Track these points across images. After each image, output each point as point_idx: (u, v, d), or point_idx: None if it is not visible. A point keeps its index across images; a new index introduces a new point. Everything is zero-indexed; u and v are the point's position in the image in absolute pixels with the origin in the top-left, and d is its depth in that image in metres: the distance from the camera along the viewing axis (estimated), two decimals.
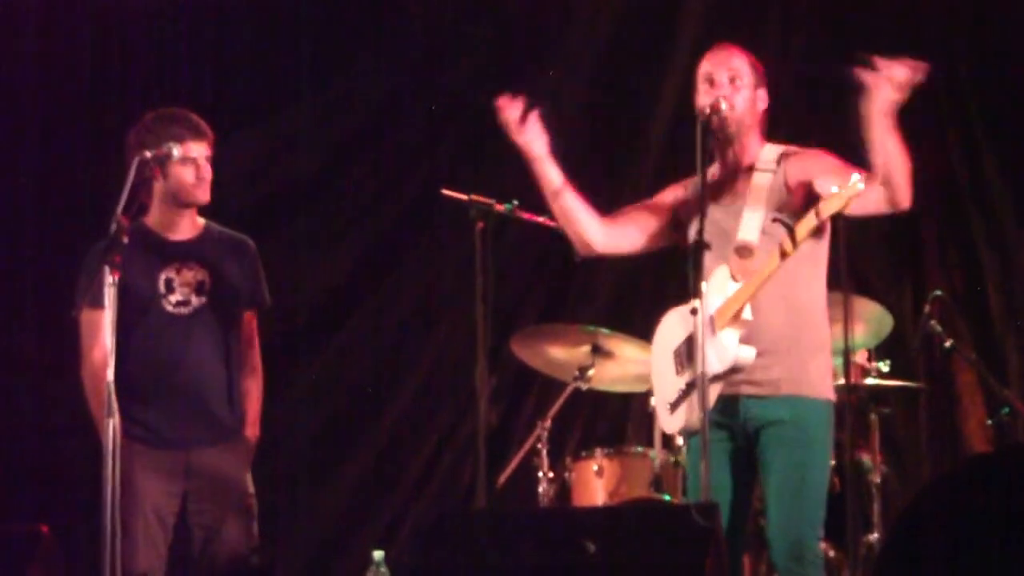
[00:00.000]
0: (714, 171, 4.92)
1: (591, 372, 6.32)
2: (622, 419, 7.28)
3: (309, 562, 7.33)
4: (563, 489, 6.37)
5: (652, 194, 5.15)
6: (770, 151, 4.89)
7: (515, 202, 5.33)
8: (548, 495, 6.31)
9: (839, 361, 5.62)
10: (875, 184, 4.62)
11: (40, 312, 6.90)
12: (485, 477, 5.38)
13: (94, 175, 6.81)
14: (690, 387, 4.75)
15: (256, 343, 5.50)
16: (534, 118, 4.91)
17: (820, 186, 4.67)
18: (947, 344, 6.40)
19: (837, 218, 5.09)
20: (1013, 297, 7.17)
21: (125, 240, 4.82)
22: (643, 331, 5.14)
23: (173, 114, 5.36)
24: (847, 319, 5.54)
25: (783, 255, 4.63)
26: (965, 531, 3.36)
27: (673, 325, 4.91)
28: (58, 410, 6.66)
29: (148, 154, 5.11)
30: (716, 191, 4.87)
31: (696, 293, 4.61)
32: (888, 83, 4.52)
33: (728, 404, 4.73)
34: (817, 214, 4.57)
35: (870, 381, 6.34)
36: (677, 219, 5.01)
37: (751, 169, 4.86)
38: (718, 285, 4.72)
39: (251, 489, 5.40)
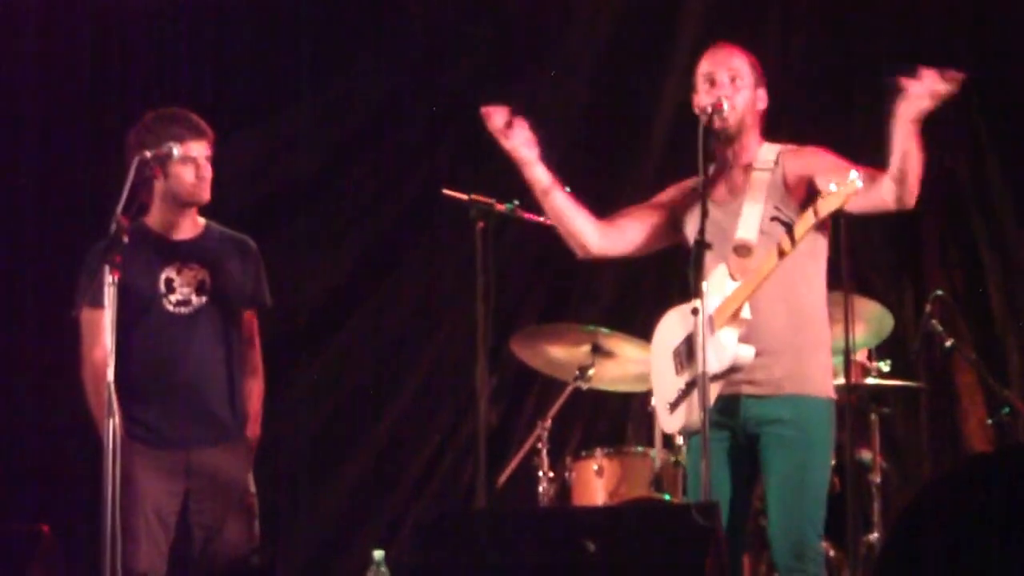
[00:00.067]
0: (713, 170, 4.92)
1: (591, 372, 6.33)
2: (622, 419, 7.28)
3: (309, 562, 7.33)
4: (563, 489, 6.37)
5: (652, 195, 5.15)
6: (768, 150, 4.89)
7: (516, 202, 5.33)
8: (548, 495, 6.31)
9: (840, 361, 5.63)
10: (881, 181, 4.61)
11: (40, 312, 6.89)
12: (485, 477, 5.38)
13: (94, 175, 6.81)
14: (690, 387, 4.75)
15: (257, 343, 5.50)
16: (520, 123, 4.91)
17: (818, 184, 4.67)
18: (948, 344, 6.40)
19: (839, 217, 5.10)
20: (1014, 297, 7.17)
21: (125, 240, 4.83)
22: (643, 331, 5.14)
23: (173, 114, 5.36)
24: (848, 319, 5.55)
25: (781, 254, 4.63)
26: (965, 531, 3.36)
27: (672, 325, 4.91)
28: (58, 410, 6.65)
29: (148, 154, 5.11)
30: (715, 190, 4.87)
31: (697, 293, 4.61)
32: (926, 92, 4.50)
33: (728, 404, 4.73)
34: (815, 212, 4.57)
35: (870, 381, 6.34)
36: (675, 220, 5.01)
37: (749, 168, 4.87)
38: (716, 284, 4.72)
39: (252, 489, 5.40)
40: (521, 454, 6.46)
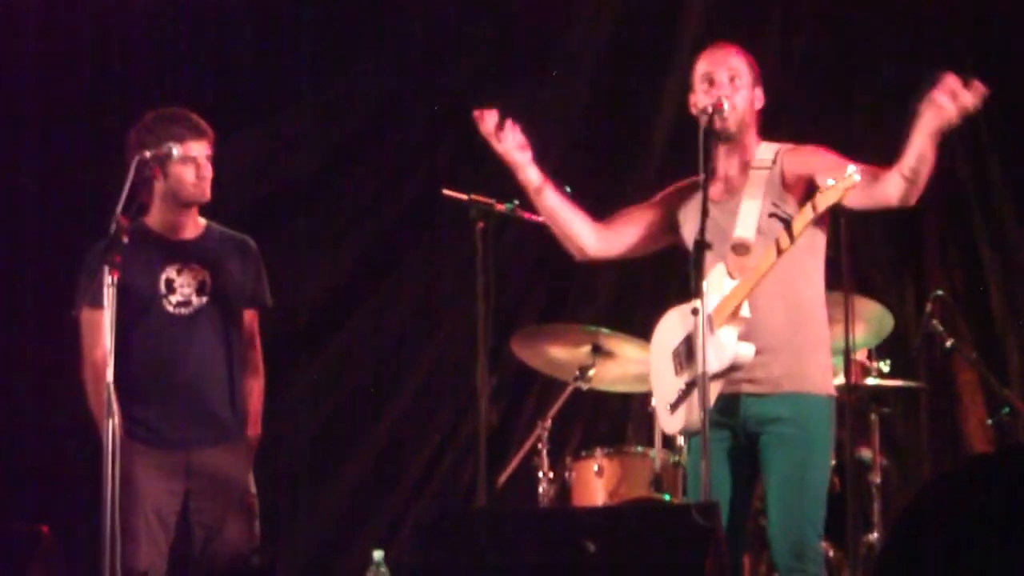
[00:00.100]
0: (711, 170, 4.90)
1: (591, 372, 6.32)
2: (622, 419, 7.28)
3: (309, 562, 7.33)
4: (563, 489, 6.37)
5: (652, 195, 5.15)
6: (766, 149, 4.89)
7: (516, 202, 5.33)
8: (548, 495, 6.31)
9: (840, 361, 5.63)
10: (884, 178, 4.61)
11: (40, 312, 6.89)
12: (485, 477, 5.38)
13: (94, 175, 6.80)
14: (690, 387, 4.75)
15: (258, 343, 5.51)
16: (511, 126, 4.92)
17: (817, 181, 4.66)
18: (948, 344, 6.40)
19: (839, 215, 5.10)
20: (1014, 297, 7.17)
21: (125, 240, 4.82)
22: (644, 331, 5.14)
23: (173, 114, 5.36)
24: (848, 319, 5.56)
25: (779, 251, 4.63)
26: (965, 531, 3.36)
27: (672, 325, 4.91)
28: (58, 410, 6.65)
29: (148, 154, 5.12)
30: (712, 189, 4.87)
31: (697, 293, 4.60)
32: (954, 105, 4.49)
33: (728, 403, 4.73)
34: (814, 207, 4.56)
35: (871, 381, 6.34)
36: (672, 220, 5.01)
37: (747, 166, 4.87)
38: (715, 283, 4.71)
39: (252, 489, 5.41)
40: (521, 454, 6.46)
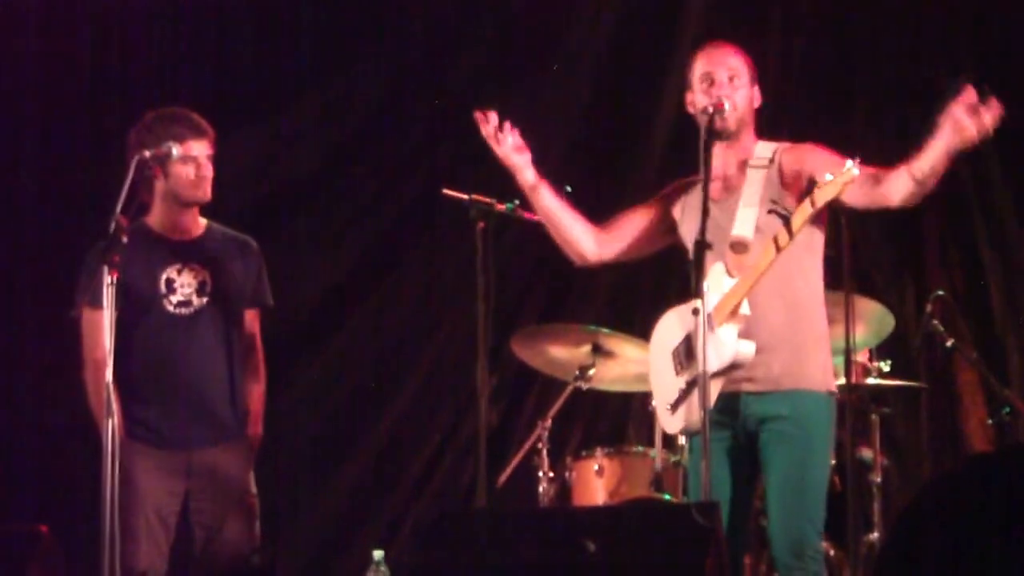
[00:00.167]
0: (705, 170, 4.89)
1: (592, 372, 6.32)
2: (623, 419, 7.28)
3: (309, 562, 7.33)
4: (563, 489, 6.37)
5: (652, 194, 5.15)
6: (764, 148, 4.89)
7: (516, 202, 5.33)
8: (548, 495, 6.31)
9: (841, 361, 5.63)
10: (887, 178, 4.61)
11: (40, 312, 6.89)
12: (485, 477, 5.38)
13: (94, 175, 6.81)
14: (690, 386, 4.74)
15: (259, 343, 5.51)
16: (510, 129, 4.92)
17: (816, 178, 4.65)
18: (948, 344, 6.40)
19: (839, 215, 5.10)
20: (1014, 297, 7.17)
21: (124, 240, 4.82)
22: (644, 331, 5.14)
23: (174, 113, 5.36)
24: (849, 319, 5.56)
25: (778, 248, 4.62)
26: (965, 531, 3.36)
27: (670, 326, 4.91)
28: (58, 410, 6.65)
29: (147, 153, 5.12)
30: (711, 189, 4.86)
31: (698, 293, 4.60)
32: (974, 125, 4.48)
33: (728, 402, 4.73)
34: (812, 203, 4.56)
35: (871, 381, 6.34)
36: (670, 221, 5.01)
37: (745, 165, 4.86)
38: (714, 281, 4.71)
39: (253, 489, 5.41)
40: (521, 454, 6.45)
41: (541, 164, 5.03)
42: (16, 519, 6.33)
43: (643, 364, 5.84)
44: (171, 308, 5.33)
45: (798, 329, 4.78)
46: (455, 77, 7.56)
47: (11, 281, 7.17)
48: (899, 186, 4.60)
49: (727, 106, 4.80)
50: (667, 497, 6.10)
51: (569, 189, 5.14)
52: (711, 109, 4.79)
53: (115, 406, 4.77)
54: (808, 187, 4.67)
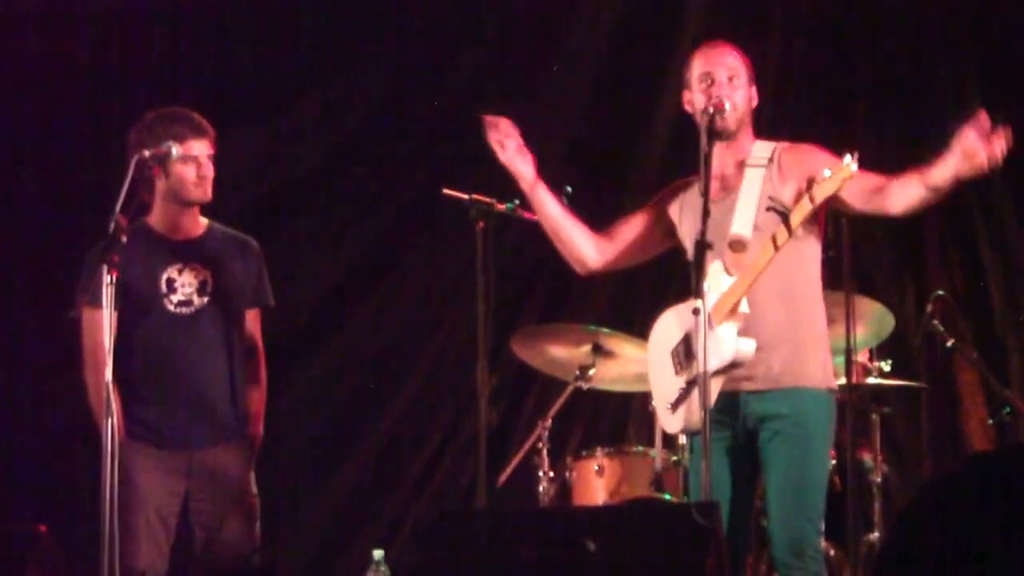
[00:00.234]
0: (703, 170, 4.88)
1: (592, 371, 6.32)
2: (623, 418, 7.28)
3: (309, 561, 7.33)
4: (564, 488, 6.36)
5: (652, 193, 5.15)
6: (762, 147, 4.88)
7: (516, 201, 5.33)
8: (549, 494, 6.31)
9: (841, 361, 5.63)
10: (889, 188, 4.63)
11: (40, 312, 6.88)
12: (485, 477, 5.38)
13: (94, 175, 6.81)
14: (690, 386, 4.74)
15: (260, 343, 5.51)
16: (514, 137, 4.92)
17: (815, 175, 4.65)
18: (948, 344, 6.40)
19: (839, 217, 5.10)
20: (1014, 297, 7.17)
21: (124, 239, 4.82)
22: (644, 330, 5.14)
23: (174, 113, 5.36)
24: (849, 319, 5.56)
25: (776, 245, 4.61)
26: (965, 531, 3.36)
27: (668, 326, 4.91)
28: (58, 410, 6.65)
29: (147, 153, 5.11)
30: (710, 188, 4.86)
31: (698, 293, 4.59)
32: (985, 153, 4.48)
33: (728, 401, 4.72)
34: (811, 199, 4.55)
35: (871, 380, 6.34)
36: (668, 224, 5.01)
37: (743, 164, 4.86)
38: (713, 280, 4.70)
39: (254, 489, 5.41)
40: (521, 454, 6.45)
41: (541, 164, 5.03)
42: (16, 519, 6.33)
43: (643, 364, 5.82)
44: (172, 308, 5.33)
45: (797, 327, 4.78)
46: (455, 77, 7.56)
47: (11, 281, 7.17)
48: (907, 194, 4.61)
49: (727, 106, 4.80)
50: (667, 497, 6.10)
51: (569, 189, 5.14)
52: (711, 109, 4.79)
53: (115, 406, 4.77)
54: (807, 186, 4.67)
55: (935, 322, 6.34)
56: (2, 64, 7.26)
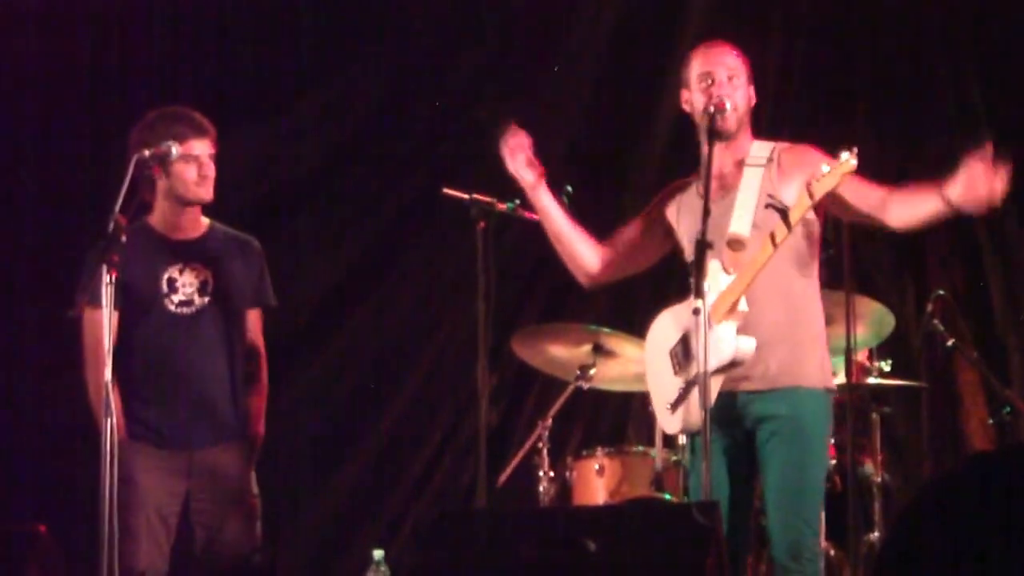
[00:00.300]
0: (707, 169, 4.87)
1: (592, 371, 6.32)
2: (623, 418, 7.28)
3: (310, 561, 7.33)
4: (564, 488, 6.36)
5: (653, 193, 5.15)
6: (760, 147, 4.88)
7: (517, 201, 5.33)
8: (549, 494, 6.31)
9: (841, 360, 5.63)
10: (888, 202, 4.66)
11: (40, 312, 6.88)
12: (485, 477, 5.38)
13: (94, 175, 6.81)
14: (690, 385, 4.73)
15: (261, 343, 5.50)
16: (524, 146, 4.93)
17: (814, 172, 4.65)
18: (949, 343, 6.40)
19: (839, 219, 5.10)
20: (1014, 297, 7.18)
21: (123, 239, 4.81)
22: (644, 330, 5.14)
23: (175, 112, 5.36)
24: (849, 318, 5.56)
25: (775, 243, 4.61)
26: (965, 531, 3.35)
27: (666, 326, 4.91)
28: (58, 410, 6.65)
29: (147, 152, 5.11)
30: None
31: (699, 292, 4.59)
32: (990, 191, 4.48)
33: (726, 401, 4.72)
34: (811, 195, 4.55)
35: (871, 380, 6.34)
36: (667, 227, 5.01)
37: (741, 164, 4.86)
38: (712, 279, 4.68)
39: (255, 489, 5.40)
40: (522, 453, 6.45)
41: (541, 164, 5.02)
42: (16, 519, 6.32)
43: (643, 363, 5.84)
44: (172, 308, 5.32)
45: (796, 326, 4.78)
46: (455, 77, 7.56)
47: (11, 281, 7.16)
48: (907, 212, 4.65)
49: (727, 106, 4.80)
50: (668, 497, 6.10)
51: (570, 189, 5.14)
52: (711, 109, 4.79)
53: (114, 405, 4.77)
54: (807, 183, 4.67)
55: (935, 322, 6.34)
56: (2, 64, 7.26)
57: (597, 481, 6.27)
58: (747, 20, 7.13)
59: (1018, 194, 7.11)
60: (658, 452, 6.21)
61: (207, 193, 5.35)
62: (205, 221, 5.45)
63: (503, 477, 6.41)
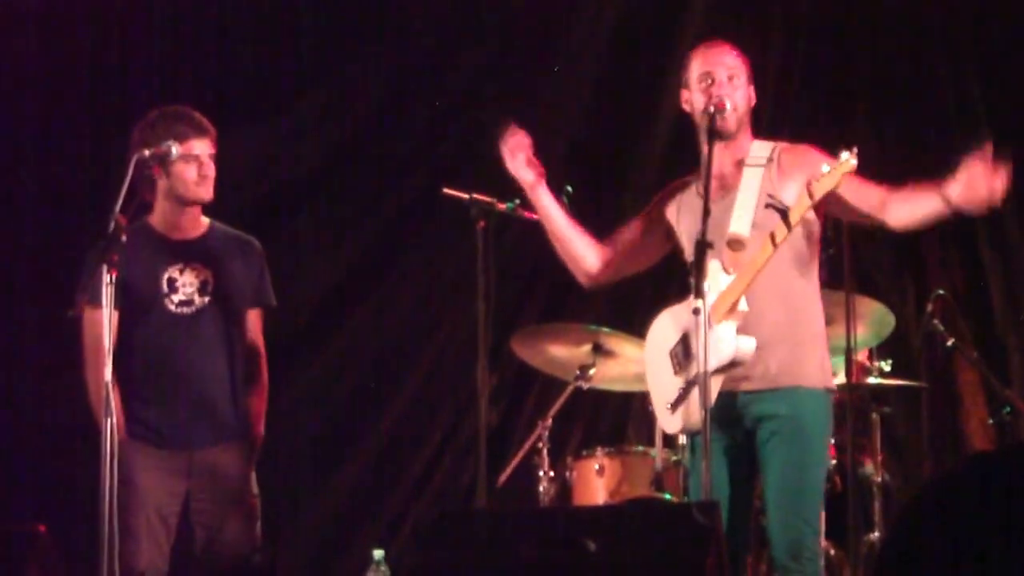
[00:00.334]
0: (707, 169, 4.87)
1: (592, 371, 6.32)
2: (623, 418, 7.28)
3: (310, 561, 7.33)
4: (564, 488, 6.36)
5: (653, 193, 5.15)
6: (760, 147, 4.88)
7: (517, 201, 5.32)
8: (549, 494, 6.31)
9: (841, 360, 5.63)
10: (889, 203, 4.66)
11: (40, 312, 6.89)
12: (485, 477, 5.38)
13: (94, 174, 6.81)
14: (690, 385, 4.73)
15: (261, 343, 5.50)
16: (524, 146, 4.93)
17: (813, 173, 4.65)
18: (949, 343, 6.40)
19: (839, 219, 5.10)
20: (1014, 297, 7.17)
21: (123, 238, 4.81)
22: (644, 330, 5.14)
23: (176, 112, 5.35)
24: (850, 318, 5.55)
25: (775, 242, 4.61)
26: (965, 531, 3.35)
27: (665, 327, 4.90)
28: (58, 410, 6.65)
29: (146, 152, 5.11)
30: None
31: (699, 292, 4.59)
32: (989, 191, 4.48)
33: (725, 401, 4.72)
34: (811, 194, 4.54)
35: (872, 380, 6.34)
36: (667, 226, 5.00)
37: (741, 164, 4.85)
38: (711, 279, 4.67)
39: (255, 489, 5.40)
40: (521, 453, 6.45)
41: (541, 164, 5.02)
42: (16, 519, 6.32)
43: (643, 363, 5.84)
44: (173, 307, 5.32)
45: (796, 326, 4.77)
46: (455, 77, 7.56)
47: (11, 281, 7.16)
48: (907, 212, 4.66)
49: (728, 105, 4.79)
50: (668, 497, 6.09)
51: (570, 189, 5.14)
52: (712, 109, 4.78)
53: (114, 405, 4.76)
54: (807, 183, 4.67)
55: (935, 322, 6.34)
56: (2, 64, 7.26)
57: (597, 481, 6.27)
58: (747, 20, 7.14)
59: (1018, 194, 7.16)
60: (658, 452, 6.21)
61: (207, 193, 5.35)
62: (205, 221, 5.45)
63: (503, 477, 6.41)
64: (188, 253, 5.37)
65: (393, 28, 7.63)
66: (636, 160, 7.41)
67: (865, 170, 4.58)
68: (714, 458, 4.63)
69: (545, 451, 6.33)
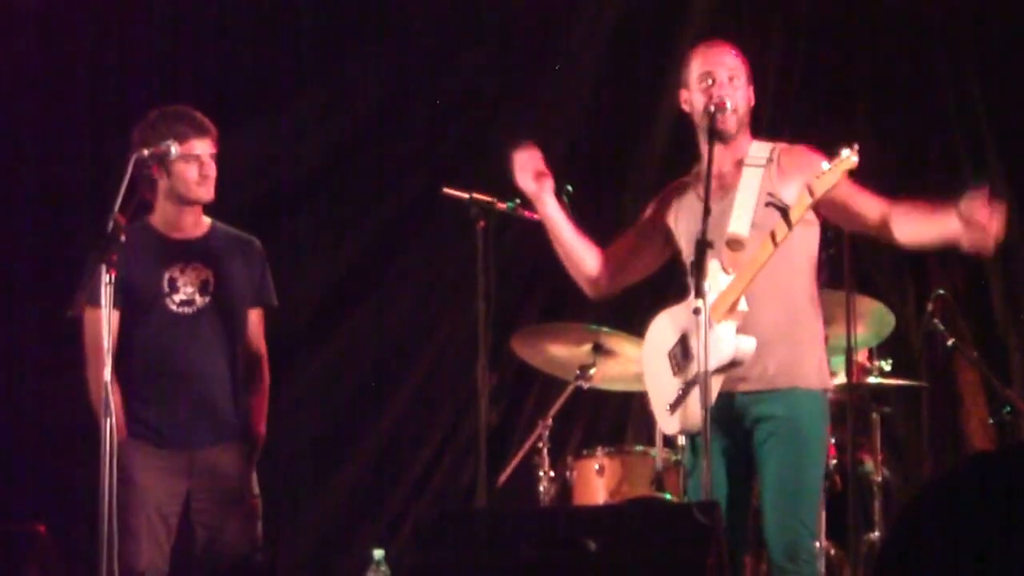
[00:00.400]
0: (703, 169, 4.87)
1: (592, 371, 6.32)
2: (623, 418, 7.28)
3: (310, 561, 7.33)
4: (564, 488, 6.36)
5: (653, 193, 5.15)
6: (759, 147, 4.88)
7: (517, 200, 5.32)
8: (549, 494, 6.31)
9: (841, 360, 5.63)
10: (891, 219, 4.67)
11: (40, 312, 6.89)
12: (485, 477, 5.38)
13: (95, 175, 6.81)
14: (689, 386, 4.73)
15: (262, 343, 5.50)
16: (533, 158, 4.92)
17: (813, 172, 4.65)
18: (949, 343, 6.40)
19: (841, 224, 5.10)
20: (1014, 296, 7.17)
21: (122, 238, 4.81)
22: (644, 330, 5.14)
23: (177, 111, 5.36)
24: (850, 318, 5.55)
25: (775, 242, 4.61)
26: (965, 531, 3.35)
27: (663, 328, 4.90)
28: (58, 410, 6.65)
29: (146, 152, 5.11)
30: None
31: (699, 292, 4.59)
32: (988, 230, 4.49)
33: (725, 402, 4.72)
34: (811, 193, 4.54)
35: (872, 380, 6.33)
36: (666, 231, 5.00)
37: (740, 164, 4.85)
38: (711, 279, 4.67)
39: (255, 489, 5.40)
40: (522, 453, 6.45)
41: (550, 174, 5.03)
42: (16, 519, 6.32)
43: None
44: (173, 307, 5.32)
45: (795, 326, 4.78)
46: (455, 77, 7.56)
47: (11, 281, 7.16)
48: (912, 232, 4.66)
49: (728, 105, 4.79)
50: (668, 496, 6.09)
51: (570, 188, 5.13)
52: (712, 109, 4.78)
53: (114, 405, 4.76)
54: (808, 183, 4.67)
55: (935, 321, 6.34)
56: (2, 64, 7.26)
57: (597, 481, 6.27)
58: (747, 20, 7.14)
59: (1020, 195, 7.16)
60: (658, 452, 6.21)
61: (208, 193, 5.35)
62: (206, 221, 5.45)
63: (503, 477, 6.41)
64: (189, 253, 5.37)
65: (393, 28, 7.63)
66: (636, 160, 7.41)
67: (865, 170, 4.57)
68: (713, 458, 4.63)
69: (545, 451, 6.33)
